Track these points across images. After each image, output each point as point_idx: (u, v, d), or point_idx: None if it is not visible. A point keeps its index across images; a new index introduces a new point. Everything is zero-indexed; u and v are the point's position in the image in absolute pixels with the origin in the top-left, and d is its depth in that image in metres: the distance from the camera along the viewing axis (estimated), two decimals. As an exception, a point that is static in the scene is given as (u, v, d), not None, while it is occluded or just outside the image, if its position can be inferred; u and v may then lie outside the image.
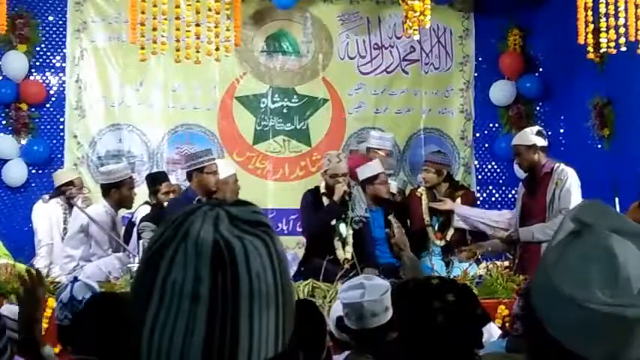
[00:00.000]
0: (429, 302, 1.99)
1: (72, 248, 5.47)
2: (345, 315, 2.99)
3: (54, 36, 7.57)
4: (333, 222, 5.48)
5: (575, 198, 5.16)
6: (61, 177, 6.51)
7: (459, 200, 6.02)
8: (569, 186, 5.20)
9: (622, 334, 0.99)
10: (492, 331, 3.69)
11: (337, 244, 5.46)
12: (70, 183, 6.38)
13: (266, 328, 0.86)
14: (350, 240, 5.47)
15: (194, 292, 0.83)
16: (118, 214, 5.79)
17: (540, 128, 5.69)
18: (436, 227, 5.99)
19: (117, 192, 5.57)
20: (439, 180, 6.03)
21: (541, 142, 5.40)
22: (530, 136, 5.41)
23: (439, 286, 2.06)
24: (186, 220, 0.87)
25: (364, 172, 6.07)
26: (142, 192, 6.39)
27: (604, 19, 5.46)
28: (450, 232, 5.95)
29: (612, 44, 5.50)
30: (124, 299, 2.78)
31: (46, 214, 6.40)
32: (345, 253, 5.43)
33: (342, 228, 5.47)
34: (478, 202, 6.89)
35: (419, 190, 6.26)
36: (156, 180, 6.33)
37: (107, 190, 5.61)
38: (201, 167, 5.47)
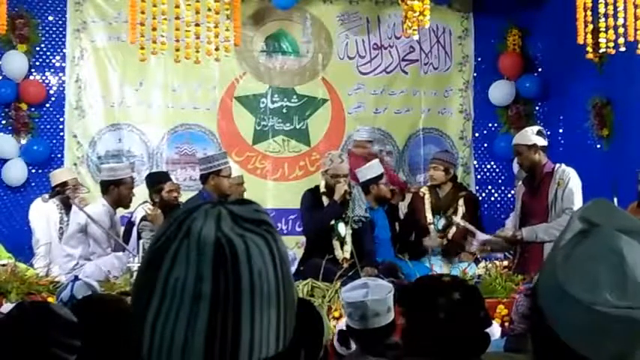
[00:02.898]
0: (435, 298, 2.00)
1: (71, 247, 5.47)
2: (349, 315, 3.01)
3: (54, 36, 7.57)
4: (332, 222, 5.49)
5: (578, 198, 5.16)
6: (57, 176, 6.49)
7: (461, 201, 6.04)
8: (572, 186, 5.19)
9: (630, 336, 0.98)
10: (494, 331, 3.71)
11: (336, 244, 5.47)
12: (65, 183, 6.32)
13: (267, 326, 0.86)
14: (349, 240, 5.47)
15: (196, 290, 0.83)
16: (117, 213, 5.78)
17: (541, 128, 5.68)
18: (439, 227, 6.00)
19: (116, 190, 5.58)
20: (446, 178, 6.06)
21: (541, 141, 5.39)
22: (531, 135, 5.41)
23: (448, 283, 2.07)
24: (188, 218, 0.87)
25: (367, 172, 6.10)
26: (141, 192, 6.39)
27: (603, 19, 5.46)
28: (452, 232, 5.96)
29: (611, 44, 5.51)
30: (111, 300, 2.78)
31: (43, 214, 6.39)
32: (343, 252, 5.44)
33: (341, 228, 5.48)
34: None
35: (421, 189, 6.28)
36: (160, 179, 6.29)
37: (107, 187, 5.62)
38: (217, 170, 5.52)
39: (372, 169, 6.16)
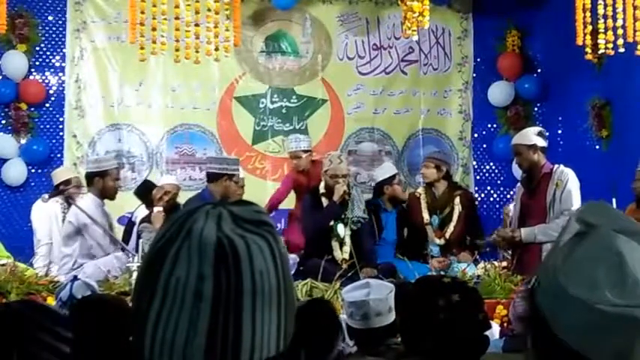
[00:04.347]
0: (435, 299, 2.01)
1: (68, 247, 5.44)
2: (350, 315, 3.01)
3: (54, 36, 7.58)
4: (331, 222, 5.50)
5: (577, 199, 5.17)
6: (59, 175, 6.48)
7: (457, 200, 6.05)
8: (570, 187, 5.20)
9: (630, 335, 0.99)
10: (493, 331, 3.71)
11: (335, 244, 5.47)
12: (68, 181, 6.32)
13: (268, 326, 0.87)
14: (347, 240, 5.48)
15: (197, 290, 0.84)
16: (104, 204, 5.71)
17: (541, 129, 5.68)
18: (436, 225, 6.00)
19: (101, 181, 5.49)
20: (439, 176, 6.05)
21: (541, 142, 5.39)
22: (532, 135, 5.41)
23: (448, 285, 2.07)
24: (189, 219, 0.88)
25: (380, 173, 6.12)
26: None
27: (602, 20, 5.47)
28: (450, 231, 5.96)
29: (610, 45, 5.52)
30: (111, 300, 2.78)
31: (45, 214, 6.38)
32: (342, 253, 5.44)
33: (340, 229, 5.48)
34: (476, 203, 6.88)
35: (417, 190, 6.29)
36: (146, 191, 6.22)
37: (91, 178, 5.56)
38: (232, 174, 5.53)
39: (385, 170, 6.19)
